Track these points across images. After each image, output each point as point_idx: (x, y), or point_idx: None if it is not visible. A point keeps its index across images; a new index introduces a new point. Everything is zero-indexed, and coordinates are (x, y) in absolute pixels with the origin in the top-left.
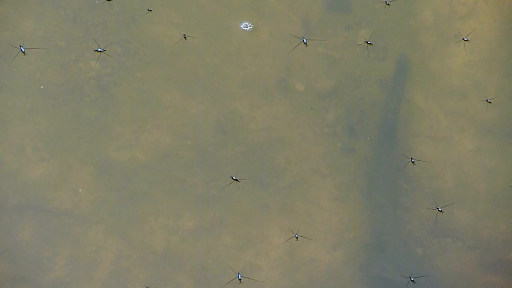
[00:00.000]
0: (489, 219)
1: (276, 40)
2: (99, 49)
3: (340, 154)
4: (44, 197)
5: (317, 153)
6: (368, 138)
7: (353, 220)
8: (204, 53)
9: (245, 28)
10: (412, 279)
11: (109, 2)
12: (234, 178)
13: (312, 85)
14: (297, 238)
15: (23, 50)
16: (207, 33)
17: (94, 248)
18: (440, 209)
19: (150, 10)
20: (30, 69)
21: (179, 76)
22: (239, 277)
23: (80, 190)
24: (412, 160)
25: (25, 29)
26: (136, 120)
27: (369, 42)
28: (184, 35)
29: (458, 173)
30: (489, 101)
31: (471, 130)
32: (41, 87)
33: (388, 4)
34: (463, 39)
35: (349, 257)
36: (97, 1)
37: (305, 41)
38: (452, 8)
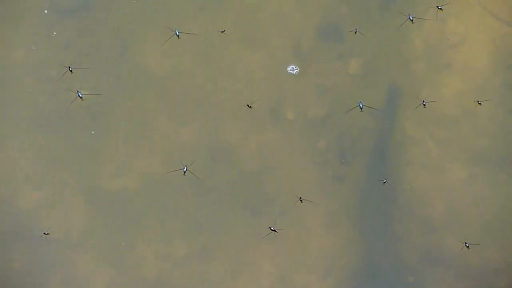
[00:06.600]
0: (480, 247)
1: (267, 68)
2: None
3: (331, 181)
4: (36, 225)
5: (308, 180)
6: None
7: (344, 247)
8: (194, 82)
9: (292, 72)
10: None
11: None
12: (272, 228)
13: (303, 113)
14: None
15: (80, 95)
16: (197, 62)
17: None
18: (467, 245)
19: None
20: (22, 97)
21: (170, 105)
22: None
23: (122, 243)
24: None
25: (16, 57)
26: (127, 148)
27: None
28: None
29: (449, 201)
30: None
31: (462, 158)
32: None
33: (441, 9)
34: (437, 7)
35: (340, 284)
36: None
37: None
38: (443, 37)
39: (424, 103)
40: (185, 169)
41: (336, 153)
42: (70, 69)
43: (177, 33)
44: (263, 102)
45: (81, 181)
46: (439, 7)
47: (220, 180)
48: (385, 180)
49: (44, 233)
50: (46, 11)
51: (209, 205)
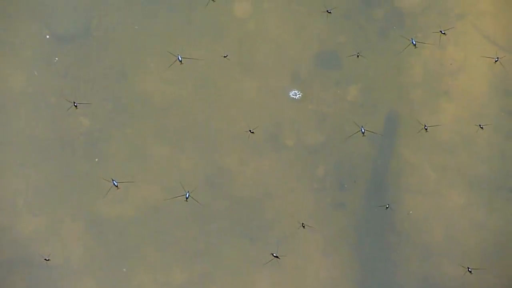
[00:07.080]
0: (478, 274)
1: (265, 95)
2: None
3: (329, 208)
4: (35, 252)
5: (306, 207)
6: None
7: (342, 275)
8: (193, 109)
9: (294, 96)
10: None
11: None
12: (274, 255)
13: (302, 140)
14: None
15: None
16: (197, 88)
17: None
18: (470, 270)
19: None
20: (21, 124)
21: (169, 132)
22: None
23: (124, 269)
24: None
25: (15, 84)
26: (126, 175)
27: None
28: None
29: (447, 228)
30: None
31: (460, 184)
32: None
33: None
34: (441, 31)
35: None
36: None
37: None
38: (441, 63)
39: (426, 127)
40: (187, 195)
41: (335, 180)
42: (75, 104)
43: (180, 58)
44: (264, 129)
45: (80, 207)
46: (443, 32)
47: (220, 207)
48: (387, 206)
49: (45, 259)
50: (48, 37)
51: (208, 232)
